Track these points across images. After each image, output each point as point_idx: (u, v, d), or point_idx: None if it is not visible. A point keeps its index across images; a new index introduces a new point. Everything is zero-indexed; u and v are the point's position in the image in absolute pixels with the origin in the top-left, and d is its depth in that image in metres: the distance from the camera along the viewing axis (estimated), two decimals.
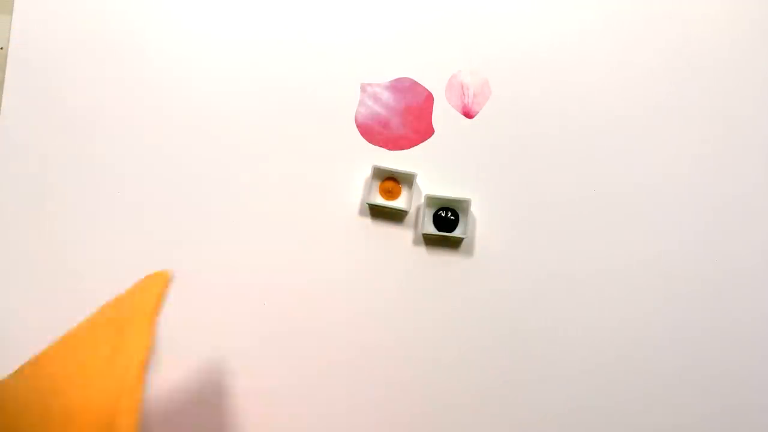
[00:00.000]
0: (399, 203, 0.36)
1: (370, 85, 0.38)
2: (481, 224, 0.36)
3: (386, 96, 0.38)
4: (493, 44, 0.38)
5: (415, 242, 0.36)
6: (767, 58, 0.38)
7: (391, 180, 0.35)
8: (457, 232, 0.36)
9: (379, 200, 0.36)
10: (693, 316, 0.36)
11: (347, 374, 0.35)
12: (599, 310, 0.36)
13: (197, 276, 0.36)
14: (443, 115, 0.37)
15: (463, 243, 0.36)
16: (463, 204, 0.35)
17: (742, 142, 0.37)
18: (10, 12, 0.38)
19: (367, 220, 0.36)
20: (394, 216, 0.36)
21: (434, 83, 0.38)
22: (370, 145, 0.37)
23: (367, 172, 0.37)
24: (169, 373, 0.34)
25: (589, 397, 0.35)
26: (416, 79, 0.38)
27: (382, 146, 0.37)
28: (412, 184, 0.36)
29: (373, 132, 0.37)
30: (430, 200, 0.36)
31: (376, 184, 0.36)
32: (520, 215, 0.36)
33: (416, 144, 0.37)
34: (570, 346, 0.35)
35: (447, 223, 0.36)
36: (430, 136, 0.37)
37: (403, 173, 0.36)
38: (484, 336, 0.35)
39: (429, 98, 0.38)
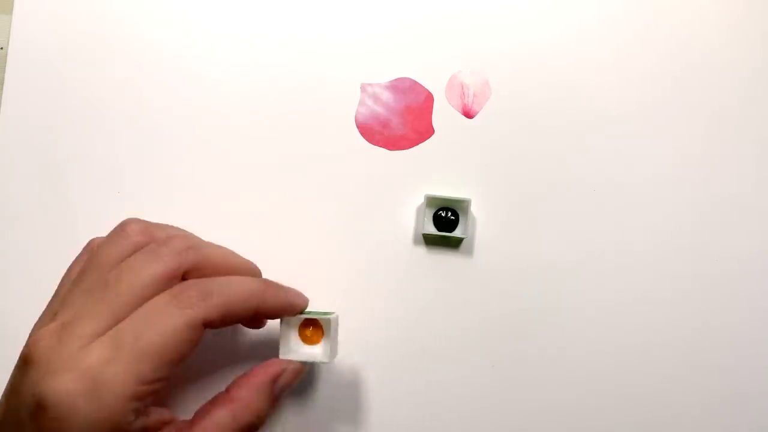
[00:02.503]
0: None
1: (370, 85, 0.38)
2: (481, 224, 0.36)
3: (386, 96, 0.38)
4: (493, 44, 0.38)
5: (415, 242, 0.36)
6: (765, 57, 0.38)
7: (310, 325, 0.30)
8: (457, 232, 0.36)
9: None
10: (702, 317, 0.36)
11: (343, 374, 0.35)
12: (601, 309, 0.36)
13: None
14: (443, 115, 0.37)
15: (463, 243, 0.36)
16: (463, 204, 0.35)
17: (743, 141, 0.37)
18: (10, 12, 0.38)
19: (365, 223, 0.36)
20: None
21: (434, 83, 0.38)
22: (370, 144, 0.37)
23: (367, 173, 0.37)
24: None
25: (591, 395, 0.35)
26: (416, 79, 0.38)
27: (382, 146, 0.37)
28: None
29: (373, 132, 0.37)
30: (430, 200, 0.36)
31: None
32: (520, 215, 0.36)
33: (416, 144, 0.37)
34: (571, 346, 0.35)
35: (447, 223, 0.36)
36: (430, 136, 0.37)
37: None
38: (483, 336, 0.35)
39: (429, 98, 0.38)
